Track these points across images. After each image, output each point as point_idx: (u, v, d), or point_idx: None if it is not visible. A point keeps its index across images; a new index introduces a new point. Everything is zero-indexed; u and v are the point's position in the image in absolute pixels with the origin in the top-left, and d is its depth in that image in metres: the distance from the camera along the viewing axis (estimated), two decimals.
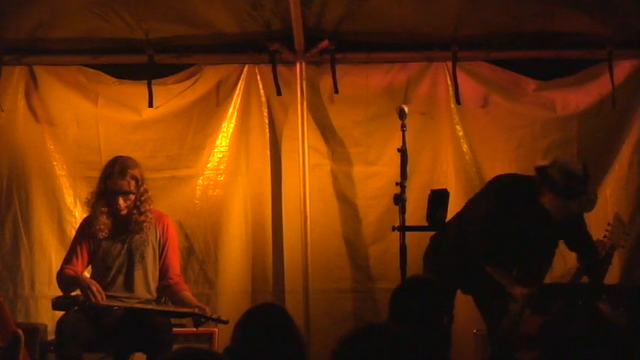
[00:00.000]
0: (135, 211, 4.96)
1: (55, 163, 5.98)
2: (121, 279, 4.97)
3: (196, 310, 4.88)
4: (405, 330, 2.60)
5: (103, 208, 4.98)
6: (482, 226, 4.79)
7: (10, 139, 5.96)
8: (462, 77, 5.91)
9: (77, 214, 5.83)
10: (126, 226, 4.99)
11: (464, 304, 5.54)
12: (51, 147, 5.98)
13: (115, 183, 4.91)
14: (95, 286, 4.75)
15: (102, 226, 4.97)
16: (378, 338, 2.55)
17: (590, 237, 5.10)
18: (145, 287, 5.00)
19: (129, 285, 4.97)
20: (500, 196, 4.87)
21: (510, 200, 4.82)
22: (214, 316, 4.94)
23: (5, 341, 4.74)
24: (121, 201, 4.92)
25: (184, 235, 5.93)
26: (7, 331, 4.76)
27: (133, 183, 4.93)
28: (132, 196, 4.94)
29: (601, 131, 5.95)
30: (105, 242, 4.99)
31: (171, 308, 5.02)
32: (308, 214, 5.85)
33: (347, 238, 5.97)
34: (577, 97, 5.97)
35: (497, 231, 4.75)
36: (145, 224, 4.97)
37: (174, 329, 5.10)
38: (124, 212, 4.95)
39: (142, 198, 4.98)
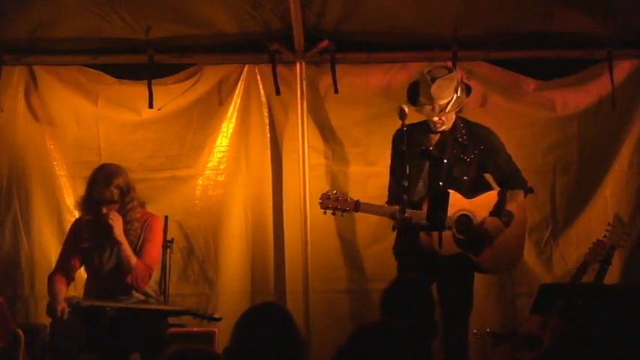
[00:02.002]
0: None
1: (55, 163, 5.98)
2: (113, 283, 4.97)
3: (190, 309, 4.91)
4: (405, 329, 2.60)
5: (87, 215, 4.99)
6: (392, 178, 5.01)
7: (10, 139, 5.96)
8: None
9: (77, 214, 5.82)
10: (113, 232, 4.97)
11: None
12: (51, 147, 5.98)
13: (98, 192, 4.91)
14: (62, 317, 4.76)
15: (86, 234, 4.98)
16: (385, 336, 2.56)
17: (508, 171, 5.11)
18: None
19: (122, 289, 4.96)
20: (392, 150, 5.04)
21: (400, 145, 4.91)
22: (207, 314, 4.95)
23: (5, 341, 4.74)
24: (104, 210, 4.92)
25: (184, 235, 5.93)
26: (7, 331, 4.76)
27: (116, 192, 4.92)
28: (115, 206, 4.93)
29: (601, 131, 5.96)
30: (94, 247, 4.99)
31: (164, 307, 5.01)
32: (308, 214, 5.85)
33: (347, 238, 5.97)
34: (577, 97, 5.97)
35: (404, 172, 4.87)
36: (131, 232, 4.96)
37: (172, 329, 5.10)
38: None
39: (128, 207, 4.96)
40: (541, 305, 5.23)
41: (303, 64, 5.91)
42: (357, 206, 4.75)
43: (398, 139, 4.96)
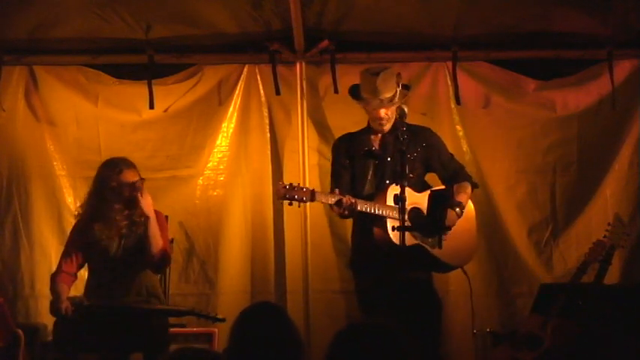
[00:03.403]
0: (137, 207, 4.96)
1: (55, 163, 5.98)
2: (118, 280, 4.96)
3: (194, 309, 4.91)
4: (398, 326, 2.60)
5: (117, 205, 4.93)
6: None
7: (10, 139, 5.96)
8: (462, 77, 5.92)
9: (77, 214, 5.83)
10: (124, 225, 4.96)
11: (464, 304, 5.55)
12: (51, 147, 5.98)
13: (128, 174, 4.85)
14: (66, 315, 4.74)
15: (104, 229, 4.95)
16: (371, 334, 2.56)
17: (452, 167, 5.14)
18: (143, 288, 4.99)
19: (127, 286, 4.96)
20: (335, 154, 5.18)
21: (344, 150, 5.08)
22: (210, 314, 4.94)
23: (5, 341, 4.75)
24: (137, 183, 4.86)
25: (185, 234, 5.93)
26: (7, 331, 4.77)
27: (138, 173, 4.93)
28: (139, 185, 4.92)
29: (601, 131, 5.95)
30: (102, 244, 4.97)
31: (167, 307, 5.00)
32: (308, 214, 5.85)
33: (347, 238, 5.96)
34: (577, 97, 5.97)
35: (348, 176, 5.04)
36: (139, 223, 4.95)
37: (173, 329, 5.10)
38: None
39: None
40: (541, 305, 5.23)
41: (303, 64, 5.92)
42: (312, 196, 4.76)
43: (342, 146, 5.11)
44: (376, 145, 5.05)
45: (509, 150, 5.95)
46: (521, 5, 5.61)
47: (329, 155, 5.97)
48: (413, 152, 5.02)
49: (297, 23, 5.64)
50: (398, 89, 4.97)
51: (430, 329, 4.92)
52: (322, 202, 4.90)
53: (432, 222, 4.59)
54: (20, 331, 4.79)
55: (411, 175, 4.98)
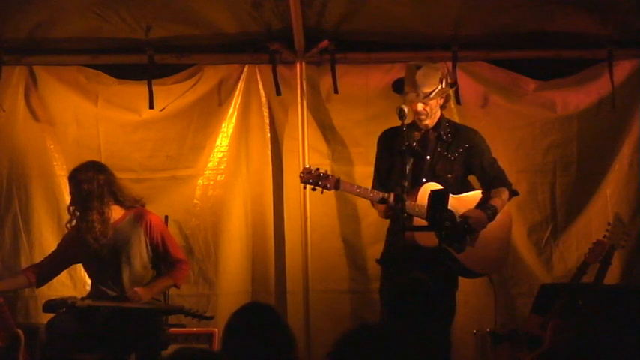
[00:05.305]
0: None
1: (55, 163, 5.98)
2: (109, 282, 4.96)
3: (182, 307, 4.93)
4: (401, 329, 2.59)
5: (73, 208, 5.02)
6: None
7: (10, 139, 5.96)
8: (462, 77, 5.91)
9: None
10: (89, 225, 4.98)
11: (464, 304, 5.55)
12: (51, 147, 5.98)
13: (71, 192, 5.00)
14: None
15: (98, 229, 4.96)
16: (373, 338, 2.55)
17: (493, 172, 5.12)
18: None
19: (118, 287, 4.95)
20: (378, 147, 5.17)
21: (386, 144, 5.08)
22: (198, 312, 4.95)
23: (5, 341, 4.75)
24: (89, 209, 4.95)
25: (184, 235, 5.92)
26: (7, 331, 4.77)
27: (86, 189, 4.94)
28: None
29: (601, 131, 5.95)
30: (94, 245, 4.97)
31: (155, 306, 4.99)
32: (308, 214, 5.85)
33: (347, 238, 5.97)
34: (577, 97, 5.97)
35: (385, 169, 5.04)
36: (98, 231, 4.95)
37: (173, 329, 5.09)
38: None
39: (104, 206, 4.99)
40: (541, 305, 5.23)
41: (303, 64, 5.91)
42: (337, 184, 4.77)
43: (385, 139, 5.08)
44: (417, 142, 5.02)
45: (509, 150, 5.94)
46: (521, 5, 5.61)
47: (329, 155, 6.00)
48: (454, 153, 5.02)
49: (297, 23, 5.64)
50: (440, 86, 4.95)
51: (445, 333, 4.91)
52: (346, 192, 4.90)
53: (431, 222, 4.59)
54: (20, 331, 4.80)
55: (449, 176, 4.98)
